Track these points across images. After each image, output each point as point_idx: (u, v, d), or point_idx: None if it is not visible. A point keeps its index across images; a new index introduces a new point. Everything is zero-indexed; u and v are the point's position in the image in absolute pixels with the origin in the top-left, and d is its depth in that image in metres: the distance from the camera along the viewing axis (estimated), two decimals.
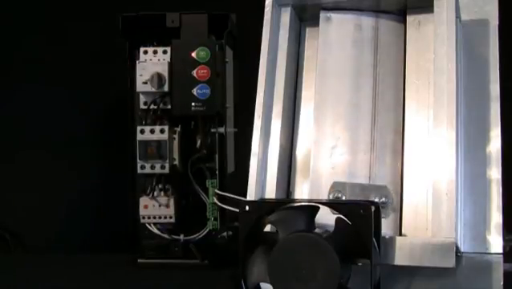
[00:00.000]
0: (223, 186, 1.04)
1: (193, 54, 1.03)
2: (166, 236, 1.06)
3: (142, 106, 1.04)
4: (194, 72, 1.02)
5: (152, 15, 1.06)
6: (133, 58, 1.06)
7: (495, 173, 0.76)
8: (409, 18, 0.80)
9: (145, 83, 1.02)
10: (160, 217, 1.04)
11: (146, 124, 1.03)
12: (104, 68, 1.24)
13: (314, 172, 0.77)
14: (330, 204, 0.68)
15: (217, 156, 1.06)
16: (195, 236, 1.06)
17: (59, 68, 1.28)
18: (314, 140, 0.78)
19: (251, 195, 0.75)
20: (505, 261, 0.73)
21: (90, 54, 1.28)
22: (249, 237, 0.69)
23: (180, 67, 1.03)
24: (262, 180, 0.77)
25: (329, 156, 0.77)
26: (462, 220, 0.74)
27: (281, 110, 0.79)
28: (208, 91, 1.02)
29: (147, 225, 1.06)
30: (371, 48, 0.80)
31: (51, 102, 1.29)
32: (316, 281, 0.63)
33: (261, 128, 0.77)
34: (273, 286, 0.66)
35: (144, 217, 1.04)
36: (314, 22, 0.82)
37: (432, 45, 0.75)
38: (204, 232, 1.05)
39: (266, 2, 0.80)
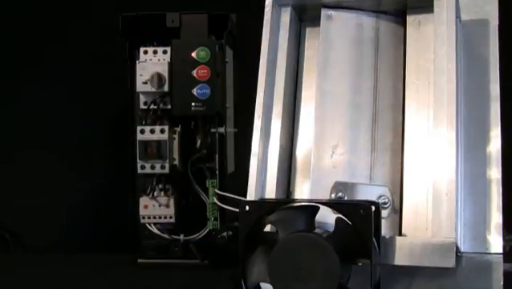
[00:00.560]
0: (223, 186, 1.04)
1: (193, 54, 1.03)
2: (166, 236, 1.06)
3: (142, 106, 1.05)
4: (194, 72, 1.02)
5: (152, 15, 1.06)
6: (133, 58, 1.06)
7: (495, 173, 0.76)
8: (409, 18, 0.80)
9: (145, 83, 1.02)
10: (160, 217, 1.04)
11: (146, 124, 1.03)
12: (104, 68, 1.24)
13: (315, 171, 0.76)
14: (330, 204, 0.68)
15: (217, 156, 1.06)
16: (195, 236, 1.06)
17: (59, 68, 1.28)
18: (314, 140, 0.77)
19: (251, 195, 0.75)
20: (505, 261, 0.73)
21: (90, 54, 1.28)
22: (249, 237, 0.68)
23: (180, 67, 1.03)
24: (262, 180, 0.77)
25: (330, 155, 0.77)
26: (462, 220, 0.74)
27: (281, 110, 0.79)
28: (208, 91, 1.02)
29: (147, 225, 1.06)
30: (371, 48, 0.80)
31: (51, 102, 1.29)
32: (316, 281, 0.63)
33: (261, 128, 0.77)
34: (273, 286, 0.66)
35: (144, 217, 1.04)
36: (314, 23, 0.82)
37: (432, 45, 0.74)
38: (204, 232, 1.05)
39: (266, 2, 0.80)
